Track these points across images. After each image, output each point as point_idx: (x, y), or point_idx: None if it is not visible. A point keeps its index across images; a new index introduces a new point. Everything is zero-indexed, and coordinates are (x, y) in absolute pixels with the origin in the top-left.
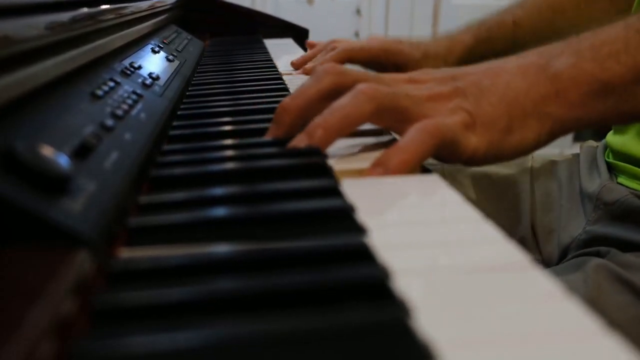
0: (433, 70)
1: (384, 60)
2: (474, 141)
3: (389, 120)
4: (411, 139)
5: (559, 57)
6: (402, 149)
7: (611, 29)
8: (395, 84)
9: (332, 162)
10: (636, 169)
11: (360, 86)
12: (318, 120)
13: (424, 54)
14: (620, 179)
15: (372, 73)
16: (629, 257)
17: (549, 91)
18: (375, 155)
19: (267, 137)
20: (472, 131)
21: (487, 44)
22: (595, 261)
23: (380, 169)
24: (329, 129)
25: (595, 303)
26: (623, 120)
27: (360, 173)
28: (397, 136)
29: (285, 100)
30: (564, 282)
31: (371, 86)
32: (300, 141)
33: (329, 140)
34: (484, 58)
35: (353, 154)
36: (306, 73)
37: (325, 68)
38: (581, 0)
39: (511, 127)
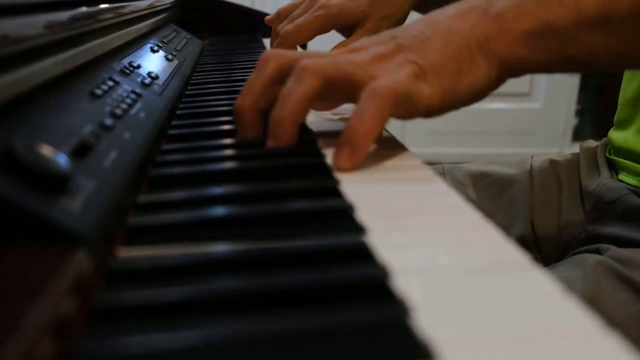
0: (371, 36)
1: (330, 25)
2: (427, 90)
3: (339, 91)
4: (366, 106)
5: None
6: (361, 120)
7: None
8: (337, 55)
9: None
10: (638, 165)
11: (301, 63)
12: (274, 117)
13: (370, 1)
14: (621, 176)
15: (312, 51)
16: (629, 253)
17: (491, 30)
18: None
19: (237, 139)
20: (424, 80)
21: None
22: (594, 258)
23: (347, 148)
24: (286, 121)
25: (594, 300)
26: (569, 68)
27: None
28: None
29: (238, 100)
30: (563, 279)
31: (312, 61)
32: (270, 144)
33: (292, 132)
34: None
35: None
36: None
37: (266, 55)
38: None
39: (461, 69)
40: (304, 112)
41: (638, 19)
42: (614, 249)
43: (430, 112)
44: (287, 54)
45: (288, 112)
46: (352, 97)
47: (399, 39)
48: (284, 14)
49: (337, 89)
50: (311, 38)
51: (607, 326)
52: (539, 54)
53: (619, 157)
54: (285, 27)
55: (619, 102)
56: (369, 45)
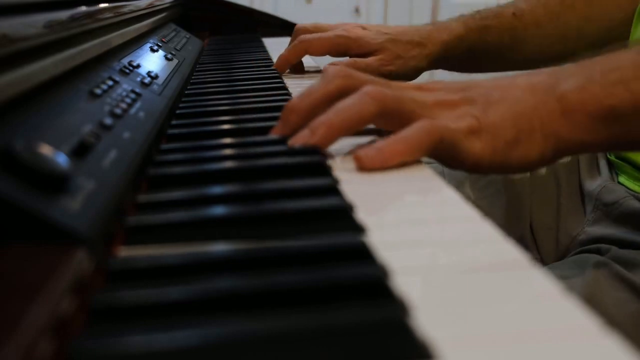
0: (444, 81)
1: (345, 48)
2: (478, 147)
3: (392, 123)
4: (409, 133)
5: (569, 78)
6: (398, 140)
7: (624, 54)
8: (402, 89)
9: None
10: (636, 173)
11: (366, 88)
12: (322, 118)
13: (391, 39)
14: (621, 179)
15: (380, 78)
16: (629, 254)
17: (555, 110)
18: None
19: (273, 134)
20: (477, 137)
21: (479, 33)
22: (594, 258)
23: (374, 151)
24: (331, 127)
25: (593, 300)
26: (630, 148)
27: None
28: None
29: (293, 100)
30: (563, 278)
31: (377, 89)
32: (302, 137)
33: (331, 139)
34: (474, 48)
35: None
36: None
37: (335, 71)
38: None
39: (518, 139)
40: (351, 130)
41: None
42: (615, 250)
43: (478, 168)
44: (356, 75)
45: (338, 121)
46: (402, 128)
47: (467, 92)
48: (304, 28)
49: (390, 119)
50: (324, 52)
51: (606, 326)
52: (599, 137)
53: (618, 159)
54: (306, 35)
55: None
56: (437, 89)
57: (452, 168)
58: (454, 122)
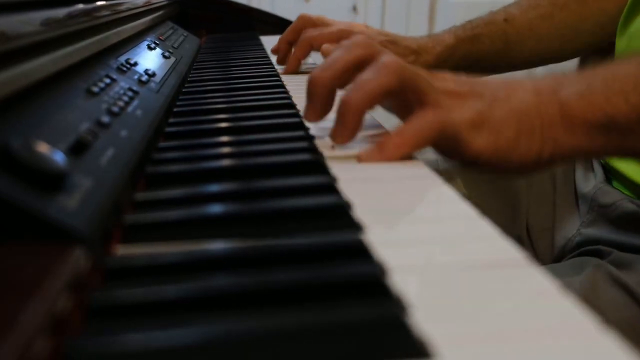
0: (453, 74)
1: None
2: (480, 141)
3: (403, 99)
4: (411, 126)
5: (572, 85)
6: (400, 134)
7: (625, 65)
8: (416, 67)
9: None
10: (626, 181)
11: (385, 59)
12: (345, 99)
13: (391, 40)
14: (615, 184)
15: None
16: (625, 257)
17: (555, 114)
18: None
19: (307, 118)
20: (479, 131)
21: (470, 43)
22: (594, 261)
23: (376, 151)
24: (357, 107)
25: (589, 301)
26: (623, 156)
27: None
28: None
29: (316, 71)
30: (560, 280)
31: (395, 60)
32: (338, 132)
33: (360, 117)
34: (468, 57)
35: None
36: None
37: (355, 40)
38: None
39: (518, 138)
40: (373, 103)
41: None
42: (616, 253)
43: (476, 162)
44: (376, 46)
45: (360, 98)
46: (408, 109)
47: (475, 87)
48: (315, 22)
49: (403, 94)
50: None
51: (602, 326)
52: (596, 145)
53: (613, 161)
54: (310, 31)
55: None
56: (447, 79)
57: (450, 159)
58: (459, 113)
